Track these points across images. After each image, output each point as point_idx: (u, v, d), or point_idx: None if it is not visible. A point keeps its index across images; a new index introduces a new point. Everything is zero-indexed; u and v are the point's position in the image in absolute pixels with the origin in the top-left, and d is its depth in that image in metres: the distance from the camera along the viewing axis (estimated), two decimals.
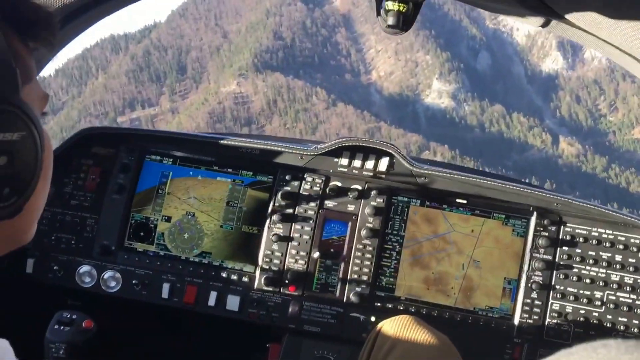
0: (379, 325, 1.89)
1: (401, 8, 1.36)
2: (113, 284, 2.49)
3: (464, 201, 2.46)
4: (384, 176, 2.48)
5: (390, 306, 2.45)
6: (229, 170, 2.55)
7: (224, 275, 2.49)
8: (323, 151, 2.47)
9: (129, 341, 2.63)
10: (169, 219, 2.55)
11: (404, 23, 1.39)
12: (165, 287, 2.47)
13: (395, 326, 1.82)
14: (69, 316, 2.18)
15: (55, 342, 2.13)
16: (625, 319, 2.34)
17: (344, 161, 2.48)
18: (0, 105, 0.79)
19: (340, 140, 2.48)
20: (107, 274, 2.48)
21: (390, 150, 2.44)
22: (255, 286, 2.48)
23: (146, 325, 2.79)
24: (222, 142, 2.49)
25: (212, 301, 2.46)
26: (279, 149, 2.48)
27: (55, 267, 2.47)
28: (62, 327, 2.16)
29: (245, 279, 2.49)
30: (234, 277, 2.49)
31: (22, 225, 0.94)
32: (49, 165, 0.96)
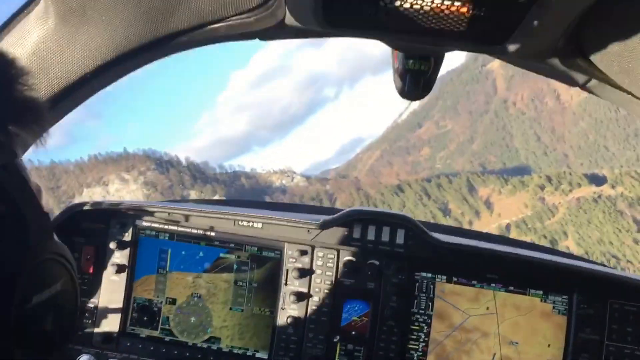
0: None
1: (422, 67, 1.18)
2: None
3: (495, 276, 2.23)
4: (402, 250, 2.26)
5: None
6: (232, 245, 2.36)
7: None
8: (330, 226, 2.27)
9: None
10: (173, 301, 2.35)
11: (424, 86, 1.22)
12: None
13: None
14: None
15: None
16: None
17: (357, 234, 2.28)
18: (41, 256, 0.66)
19: (349, 211, 2.28)
20: None
21: (405, 223, 2.24)
22: None
23: None
24: (219, 217, 2.31)
25: None
26: (283, 223, 2.29)
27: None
28: None
29: None
30: None
31: None
32: None
